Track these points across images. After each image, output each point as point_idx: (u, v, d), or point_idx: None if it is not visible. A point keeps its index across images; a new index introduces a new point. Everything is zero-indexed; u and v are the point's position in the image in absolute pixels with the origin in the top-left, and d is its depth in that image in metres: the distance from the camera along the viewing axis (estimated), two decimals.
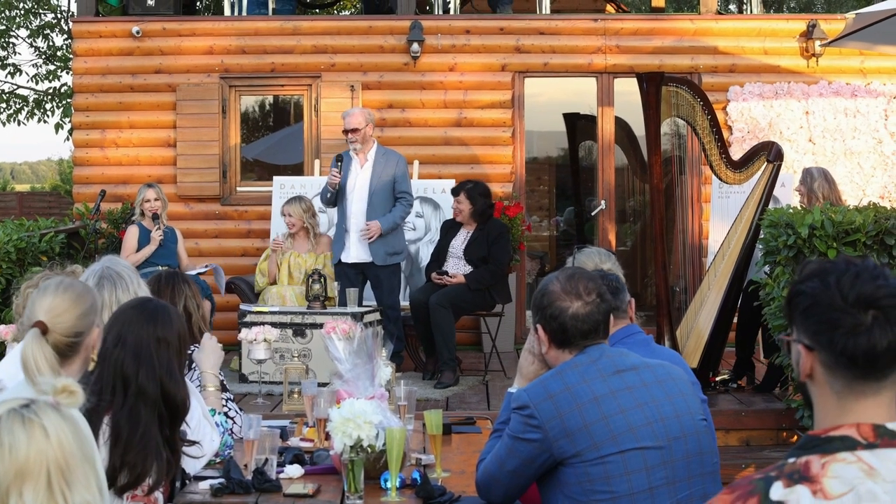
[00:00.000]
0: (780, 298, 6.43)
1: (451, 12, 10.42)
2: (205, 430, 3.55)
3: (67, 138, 16.74)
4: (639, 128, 8.13)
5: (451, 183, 8.75)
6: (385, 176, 8.00)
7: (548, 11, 10.48)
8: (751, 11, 11.29)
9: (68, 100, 15.91)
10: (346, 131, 8.05)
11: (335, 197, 8.05)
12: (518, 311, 9.59)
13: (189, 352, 3.99)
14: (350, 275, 7.97)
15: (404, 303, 8.43)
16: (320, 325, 7.18)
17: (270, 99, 10.95)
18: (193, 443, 3.38)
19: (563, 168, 11.84)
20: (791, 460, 1.81)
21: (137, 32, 9.99)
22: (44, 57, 17.73)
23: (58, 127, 17.43)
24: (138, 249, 8.40)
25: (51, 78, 17.27)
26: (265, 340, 6.62)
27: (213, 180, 9.95)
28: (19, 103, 17.65)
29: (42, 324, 2.81)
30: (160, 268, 7.61)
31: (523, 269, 9.89)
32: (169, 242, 8.53)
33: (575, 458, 2.98)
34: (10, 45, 17.51)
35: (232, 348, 8.23)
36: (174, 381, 3.13)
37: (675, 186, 9.17)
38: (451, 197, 8.29)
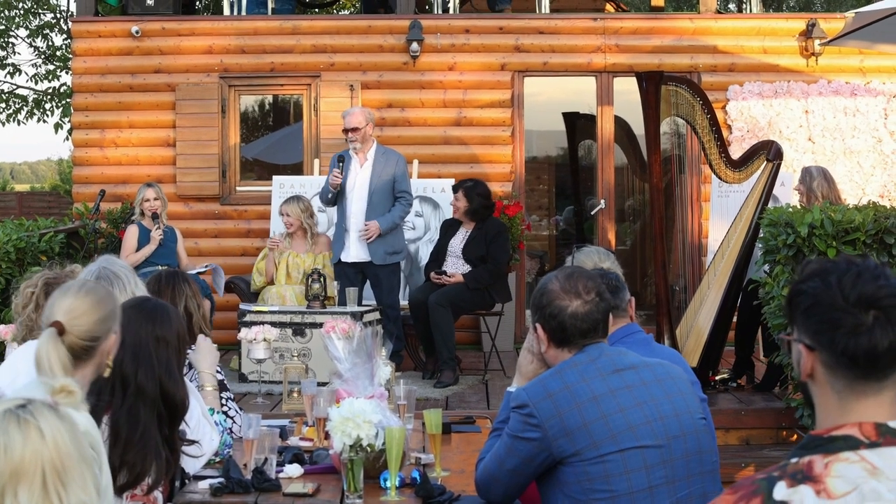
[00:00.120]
0: (779, 297, 6.43)
1: (451, 11, 10.42)
2: (204, 429, 3.56)
3: (67, 138, 16.75)
4: (638, 127, 8.12)
5: (451, 182, 8.75)
6: (385, 175, 7.99)
7: (547, 11, 10.47)
8: (750, 10, 11.28)
9: (68, 99, 15.92)
10: (346, 130, 8.04)
11: (335, 196, 8.04)
12: (518, 311, 9.59)
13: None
14: (349, 274, 7.97)
15: (404, 302, 8.43)
16: (320, 325, 7.18)
17: (270, 98, 10.95)
18: (193, 442, 3.38)
19: (563, 167, 11.84)
20: (794, 460, 1.81)
21: (137, 32, 9.99)
22: (43, 57, 17.72)
23: (57, 127, 17.43)
24: (138, 249, 8.39)
25: (50, 78, 17.26)
26: (265, 340, 6.62)
27: (212, 180, 9.95)
28: (19, 103, 17.64)
29: (59, 324, 2.79)
30: (160, 267, 7.61)
31: (523, 268, 9.89)
32: (168, 242, 8.52)
33: (574, 457, 2.98)
34: (10, 45, 17.50)
35: (231, 348, 8.24)
36: (173, 380, 3.13)
37: (675, 185, 9.16)
38: (450, 196, 8.29)
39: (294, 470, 3.76)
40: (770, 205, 7.45)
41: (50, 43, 17.67)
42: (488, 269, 7.90)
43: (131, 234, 8.47)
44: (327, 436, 3.69)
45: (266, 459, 3.69)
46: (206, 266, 8.49)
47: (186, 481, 3.68)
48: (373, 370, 3.95)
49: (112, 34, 10.07)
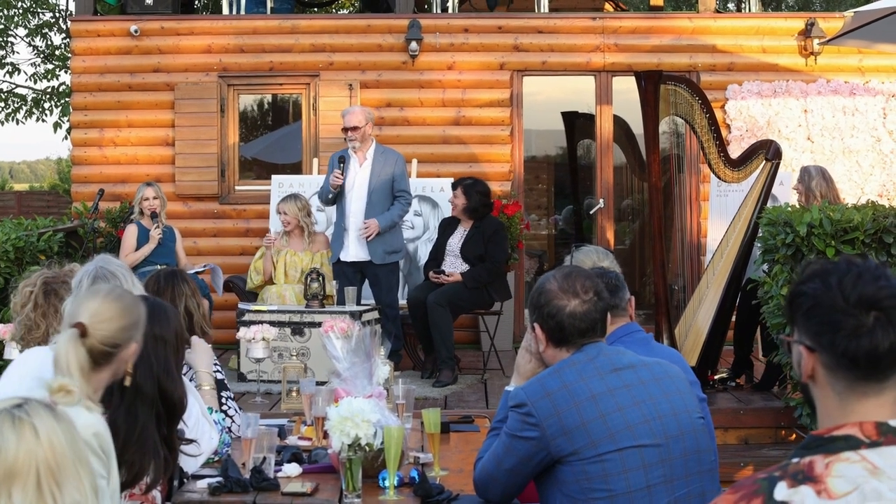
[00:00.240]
0: (778, 297, 6.43)
1: (450, 11, 10.42)
2: (203, 427, 3.55)
3: (66, 137, 16.72)
4: (637, 126, 8.11)
5: (450, 181, 8.74)
6: (384, 175, 7.99)
7: (546, 10, 10.47)
8: (749, 10, 11.28)
9: (67, 99, 15.91)
10: (345, 129, 8.03)
11: (335, 196, 8.04)
12: (517, 310, 9.58)
13: None
14: (348, 273, 7.96)
15: (402, 301, 8.43)
16: (318, 324, 7.18)
17: (269, 98, 10.94)
18: (191, 441, 3.38)
19: (562, 166, 11.82)
20: (795, 460, 1.81)
21: (136, 31, 9.98)
22: (42, 56, 17.71)
23: (56, 126, 17.42)
24: (137, 248, 8.39)
25: (49, 77, 17.25)
26: (263, 339, 6.62)
27: (211, 179, 9.95)
28: (18, 102, 17.63)
29: (83, 326, 2.78)
30: (158, 266, 7.60)
31: (522, 267, 9.88)
32: (167, 241, 8.52)
33: (572, 456, 2.98)
34: (9, 44, 17.49)
35: (230, 347, 8.23)
36: (171, 379, 3.12)
37: (674, 185, 9.16)
38: (449, 195, 8.28)
39: (292, 469, 3.76)
40: (769, 204, 7.45)
41: (49, 42, 17.67)
42: (486, 267, 7.90)
43: (130, 234, 8.47)
44: (326, 435, 3.68)
45: (264, 459, 3.68)
46: (205, 266, 8.48)
47: (185, 480, 3.67)
48: (371, 369, 3.95)
49: (111, 33, 10.07)
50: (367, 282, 8.12)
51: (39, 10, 17.47)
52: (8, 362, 5.16)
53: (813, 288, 1.86)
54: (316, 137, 9.94)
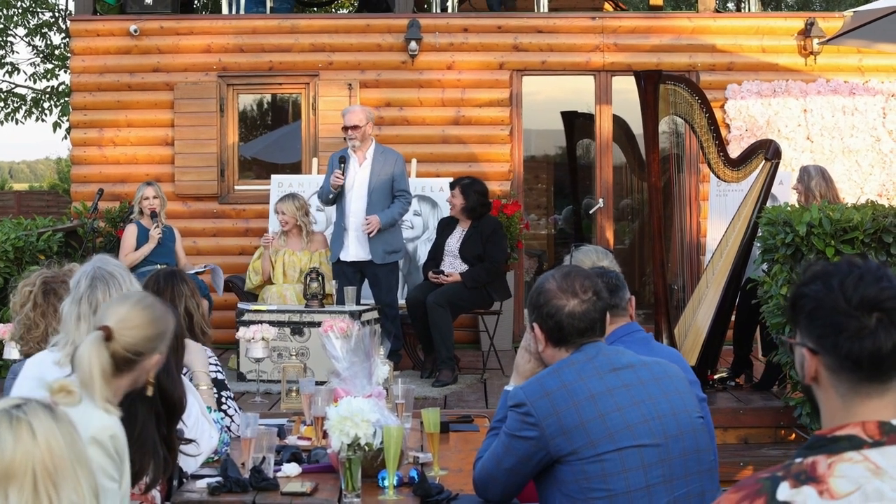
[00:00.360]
0: (778, 296, 6.43)
1: (449, 10, 10.41)
2: (202, 427, 3.55)
3: (65, 137, 16.72)
4: (637, 126, 8.11)
5: (449, 181, 8.73)
6: (383, 174, 7.99)
7: (546, 10, 10.47)
8: (749, 9, 11.27)
9: (66, 98, 15.90)
10: (345, 128, 8.02)
11: (335, 196, 8.03)
12: (516, 310, 9.57)
13: None
14: (348, 273, 7.96)
15: (402, 301, 8.42)
16: (318, 324, 7.17)
17: (268, 97, 10.94)
18: (190, 441, 3.37)
19: (561, 166, 11.82)
20: (798, 460, 1.80)
21: (135, 31, 9.98)
22: (42, 55, 17.70)
23: (56, 126, 17.41)
24: (137, 248, 8.38)
25: (48, 77, 17.25)
26: (263, 339, 6.62)
27: (210, 179, 9.94)
28: (17, 102, 17.63)
29: (109, 330, 2.77)
30: (158, 266, 7.59)
31: (521, 267, 9.88)
32: (167, 241, 8.51)
33: (572, 456, 2.97)
34: (8, 44, 17.48)
35: (230, 347, 8.23)
36: (171, 379, 3.11)
37: (674, 185, 9.16)
38: (448, 195, 8.28)
39: (292, 469, 3.76)
40: (768, 204, 7.45)
41: (48, 42, 17.66)
42: (485, 267, 7.89)
43: (130, 233, 8.46)
44: (325, 435, 3.68)
45: (264, 458, 3.68)
46: (205, 266, 8.48)
47: (184, 480, 3.67)
48: (371, 369, 3.94)
49: (110, 33, 10.07)
50: (366, 282, 8.12)
51: (39, 10, 17.46)
52: (8, 362, 5.17)
53: (815, 290, 1.85)
54: (315, 137, 9.94)
